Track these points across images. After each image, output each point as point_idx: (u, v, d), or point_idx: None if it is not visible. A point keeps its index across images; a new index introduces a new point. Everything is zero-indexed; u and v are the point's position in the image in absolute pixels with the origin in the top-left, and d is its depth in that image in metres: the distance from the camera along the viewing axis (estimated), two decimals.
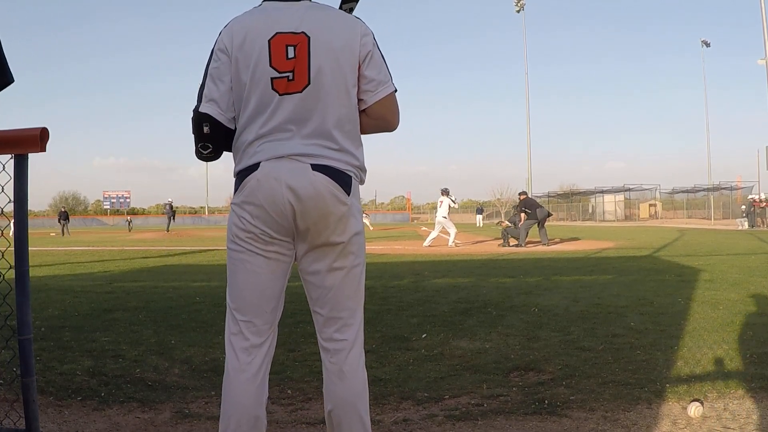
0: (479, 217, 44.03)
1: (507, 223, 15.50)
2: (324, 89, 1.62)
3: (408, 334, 3.94)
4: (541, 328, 4.06)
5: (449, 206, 14.87)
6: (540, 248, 13.53)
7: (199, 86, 1.71)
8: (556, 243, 15.60)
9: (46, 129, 1.86)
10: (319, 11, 1.67)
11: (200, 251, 13.64)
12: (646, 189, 49.16)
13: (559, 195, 59.23)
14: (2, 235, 1.96)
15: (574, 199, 55.18)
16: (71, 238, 25.43)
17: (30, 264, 1.93)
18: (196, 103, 1.69)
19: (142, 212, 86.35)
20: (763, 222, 27.53)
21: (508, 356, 3.32)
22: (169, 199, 31.92)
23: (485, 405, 2.55)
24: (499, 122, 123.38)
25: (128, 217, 46.74)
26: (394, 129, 1.78)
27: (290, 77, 1.61)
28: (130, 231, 35.85)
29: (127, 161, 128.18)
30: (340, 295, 1.70)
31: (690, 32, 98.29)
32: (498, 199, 73.59)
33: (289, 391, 2.77)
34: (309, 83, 1.61)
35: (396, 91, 1.73)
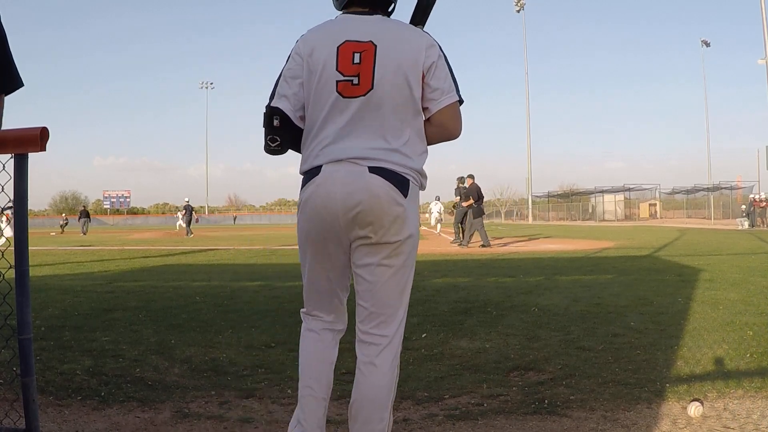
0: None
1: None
2: (386, 95, 1.71)
3: (408, 333, 3.93)
4: (541, 327, 4.06)
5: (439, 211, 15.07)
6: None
7: (272, 86, 1.83)
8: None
9: (46, 128, 1.86)
10: (389, 23, 1.79)
11: (200, 251, 13.64)
12: (646, 189, 49.21)
13: (559, 195, 59.22)
14: (2, 234, 1.96)
15: (573, 198, 55.18)
16: (71, 238, 25.42)
17: (30, 264, 1.93)
18: (268, 101, 1.81)
19: (142, 212, 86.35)
20: (763, 222, 27.53)
21: (508, 356, 3.32)
22: (186, 199, 28.05)
23: (485, 405, 2.55)
24: (499, 122, 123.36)
25: (64, 216, 43.03)
26: (456, 138, 1.84)
27: (354, 81, 1.71)
28: (62, 232, 33.61)
29: (127, 161, 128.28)
30: (385, 292, 1.78)
31: (690, 32, 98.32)
32: (498, 198, 73.61)
33: (289, 391, 2.77)
34: (372, 88, 1.70)
35: (460, 101, 1.79)
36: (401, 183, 1.71)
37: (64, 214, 46.15)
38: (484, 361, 3.22)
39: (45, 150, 1.86)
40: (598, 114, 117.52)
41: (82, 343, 3.71)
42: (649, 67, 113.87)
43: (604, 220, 44.90)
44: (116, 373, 3.06)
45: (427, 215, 15.92)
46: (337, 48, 1.72)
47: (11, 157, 1.87)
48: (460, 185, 14.72)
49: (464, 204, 13.95)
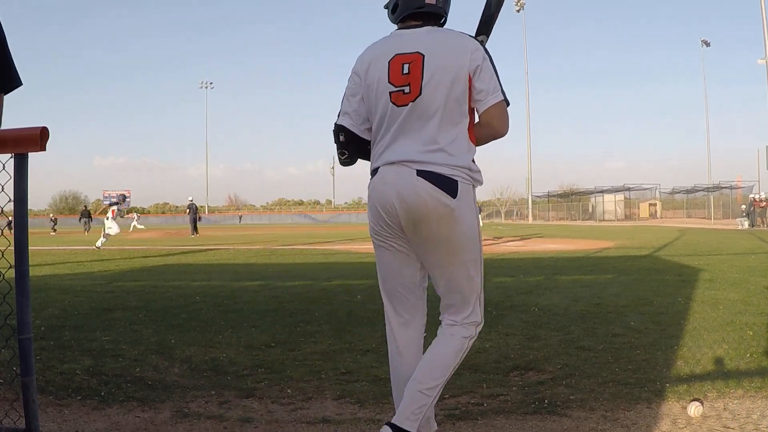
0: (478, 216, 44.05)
1: None
2: (434, 101, 1.84)
3: None
4: (541, 327, 4.06)
5: None
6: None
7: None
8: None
9: (46, 128, 1.86)
10: (436, 33, 1.91)
11: (200, 250, 13.64)
12: (646, 189, 49.20)
13: (559, 195, 59.22)
14: (2, 234, 1.96)
15: (573, 198, 55.18)
16: (71, 238, 25.42)
17: (30, 263, 1.93)
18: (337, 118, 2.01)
19: (142, 212, 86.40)
20: (763, 222, 27.53)
21: (508, 356, 3.32)
22: (190, 198, 27.71)
23: (485, 404, 2.55)
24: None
25: (52, 216, 41.51)
26: (502, 136, 1.94)
27: (406, 90, 1.86)
28: (55, 232, 32.98)
29: (127, 161, 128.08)
30: (452, 285, 1.93)
31: (690, 32, 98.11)
32: (498, 198, 73.59)
33: (289, 391, 2.77)
34: (420, 94, 1.84)
35: (506, 101, 1.88)
36: (449, 184, 1.82)
37: (51, 214, 45.20)
38: (484, 361, 3.22)
39: (45, 150, 1.86)
40: (598, 114, 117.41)
41: (82, 343, 3.71)
42: (649, 67, 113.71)
43: (604, 220, 44.90)
44: (116, 372, 3.06)
45: None
46: (389, 62, 1.89)
47: (11, 157, 1.87)
48: None
49: None
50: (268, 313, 4.76)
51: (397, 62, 1.88)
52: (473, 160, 1.89)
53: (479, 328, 2.00)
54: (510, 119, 1.91)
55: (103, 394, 2.72)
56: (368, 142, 1.99)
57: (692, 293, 5.52)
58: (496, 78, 1.87)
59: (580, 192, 56.38)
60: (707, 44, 48.71)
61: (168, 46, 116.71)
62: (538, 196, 58.39)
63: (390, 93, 1.88)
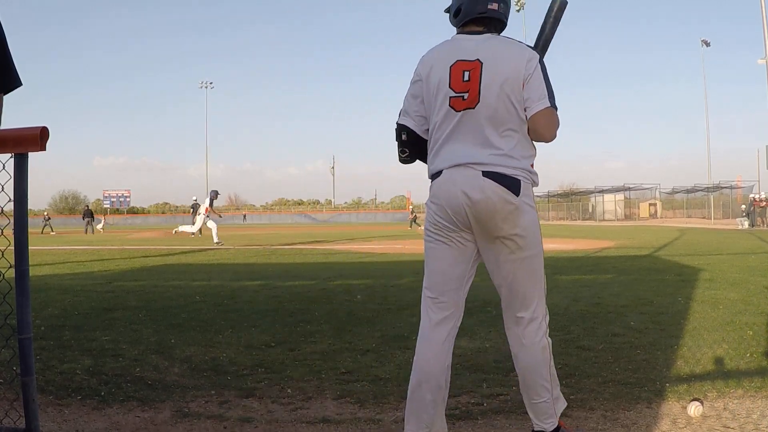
0: None
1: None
2: (492, 106, 1.93)
3: (408, 333, 3.94)
4: None
5: None
6: None
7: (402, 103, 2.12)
8: None
9: (46, 128, 1.86)
10: (494, 41, 2.00)
11: (200, 250, 13.64)
12: (646, 188, 49.18)
13: (559, 195, 59.20)
14: (2, 234, 1.96)
15: (573, 198, 55.17)
16: (71, 238, 25.42)
17: (30, 263, 1.93)
18: (398, 117, 2.11)
19: (142, 212, 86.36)
20: (763, 221, 27.52)
21: (508, 355, 3.28)
22: (194, 198, 27.21)
23: (485, 404, 2.55)
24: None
25: (45, 214, 39.49)
26: (548, 141, 2.02)
27: (465, 96, 1.95)
28: (43, 233, 31.74)
29: (127, 161, 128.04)
30: (516, 281, 2.01)
31: (690, 32, 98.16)
32: None
33: (289, 391, 2.78)
34: (479, 101, 1.94)
35: (554, 108, 1.96)
36: (512, 183, 1.92)
37: (45, 213, 44.49)
38: (484, 361, 3.22)
39: (45, 149, 1.86)
40: (598, 114, 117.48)
41: (82, 343, 3.71)
42: (649, 67, 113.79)
43: (604, 219, 44.89)
44: (116, 372, 3.06)
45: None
46: (450, 68, 1.98)
47: (11, 157, 1.87)
48: None
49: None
50: (268, 313, 4.76)
51: (458, 68, 1.97)
52: (532, 164, 2.01)
53: (546, 319, 2.06)
54: (558, 126, 2.00)
55: (103, 393, 2.72)
56: (425, 142, 2.09)
57: (692, 293, 5.52)
58: (545, 85, 1.95)
59: (580, 192, 56.37)
60: (707, 44, 48.63)
61: (168, 46, 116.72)
62: (538, 196, 58.06)
63: (450, 98, 1.97)
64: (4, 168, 1.90)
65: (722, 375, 2.88)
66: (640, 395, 2.60)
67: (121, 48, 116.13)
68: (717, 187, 40.88)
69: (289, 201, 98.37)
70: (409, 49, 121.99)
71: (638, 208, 48.26)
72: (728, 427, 2.26)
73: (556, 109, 1.96)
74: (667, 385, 2.73)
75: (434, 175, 2.04)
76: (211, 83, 74.63)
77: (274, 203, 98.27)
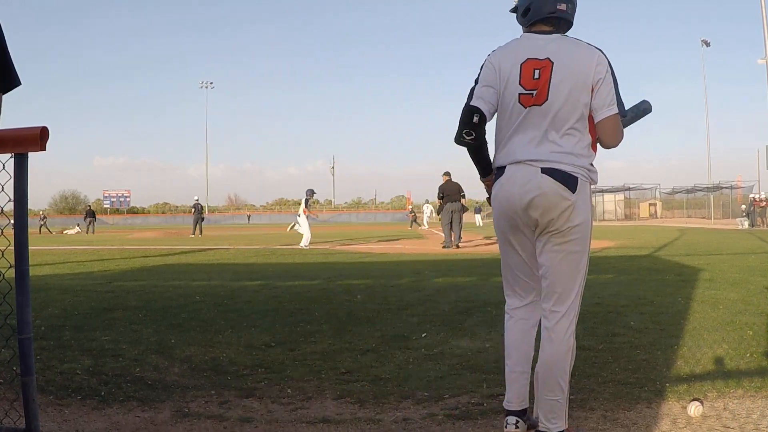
0: (478, 216, 43.98)
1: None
2: (559, 105, 1.99)
3: (408, 333, 3.94)
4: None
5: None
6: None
7: (469, 89, 2.15)
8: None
9: (46, 128, 1.86)
10: (565, 42, 2.06)
11: (200, 250, 13.64)
12: (646, 188, 49.17)
13: None
14: (2, 234, 1.96)
15: None
16: (71, 238, 25.43)
17: (30, 263, 1.93)
18: (466, 101, 2.13)
19: (142, 212, 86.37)
20: (763, 221, 27.52)
21: None
22: (196, 198, 26.84)
23: (485, 404, 2.55)
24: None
25: (42, 214, 39.00)
26: (611, 147, 2.10)
27: (533, 94, 2.02)
28: (41, 233, 31.92)
29: (127, 161, 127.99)
30: (558, 273, 2.06)
31: (690, 32, 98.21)
32: None
33: (289, 391, 2.78)
34: (547, 99, 2.00)
35: (619, 114, 2.03)
36: (569, 181, 1.99)
37: (42, 212, 43.89)
38: (484, 361, 3.22)
39: (45, 149, 1.86)
40: None
41: (82, 343, 3.71)
42: (649, 67, 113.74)
43: (604, 219, 44.88)
44: (116, 372, 3.06)
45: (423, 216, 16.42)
46: (521, 65, 2.04)
47: (11, 157, 1.87)
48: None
49: (437, 204, 14.04)
50: (268, 313, 4.76)
51: (529, 66, 2.03)
52: (592, 163, 2.07)
53: (576, 319, 2.11)
54: (622, 133, 2.07)
55: (103, 393, 2.72)
56: (484, 134, 2.15)
57: (692, 293, 5.52)
58: (614, 92, 2.01)
59: None
60: (707, 44, 48.66)
61: (168, 46, 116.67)
62: None
63: (519, 95, 2.03)
64: (4, 168, 1.90)
65: (722, 375, 2.88)
66: (640, 395, 2.60)
67: (121, 48, 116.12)
68: (717, 187, 40.87)
69: (289, 201, 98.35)
70: (409, 49, 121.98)
71: (638, 208, 48.27)
72: (728, 427, 2.26)
73: (623, 113, 2.05)
74: (667, 385, 2.73)
75: (498, 171, 2.14)
76: (211, 83, 74.78)
77: (274, 203, 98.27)
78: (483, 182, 2.31)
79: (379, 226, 38.60)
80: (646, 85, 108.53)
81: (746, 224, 26.70)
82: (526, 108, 2.03)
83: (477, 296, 5.55)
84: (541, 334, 2.12)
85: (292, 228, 15.65)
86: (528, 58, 2.04)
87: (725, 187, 40.89)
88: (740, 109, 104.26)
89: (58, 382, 2.89)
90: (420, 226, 32.04)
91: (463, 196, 13.72)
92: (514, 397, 2.17)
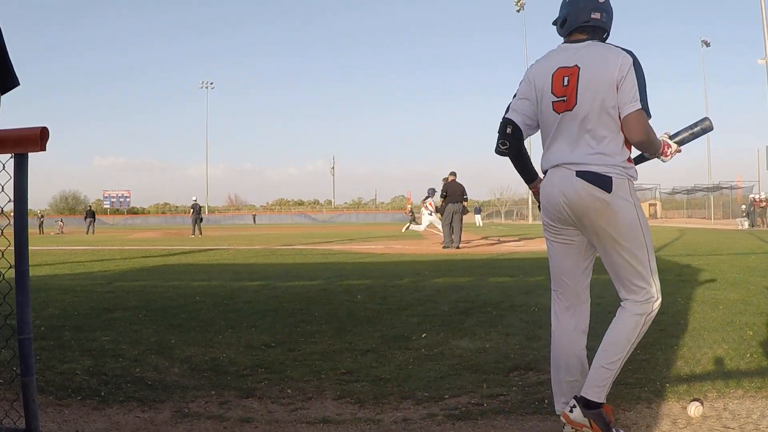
0: (478, 217, 44.02)
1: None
2: (588, 108, 2.08)
3: (408, 333, 3.94)
4: (541, 327, 4.06)
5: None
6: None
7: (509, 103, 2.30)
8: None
9: (46, 128, 1.86)
10: (592, 47, 2.14)
11: (200, 251, 13.64)
12: (646, 189, 49.14)
13: None
14: (2, 234, 1.96)
15: None
16: (71, 238, 25.43)
17: (30, 263, 1.93)
18: (504, 114, 2.28)
19: (142, 212, 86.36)
20: (763, 222, 27.53)
21: (508, 356, 3.32)
22: (194, 198, 26.53)
23: (485, 404, 2.55)
24: (499, 121, 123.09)
25: (39, 213, 39.03)
26: (640, 142, 2.11)
27: (564, 99, 2.12)
28: (42, 233, 32.26)
29: (127, 161, 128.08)
30: (618, 270, 2.16)
31: (690, 32, 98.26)
32: (498, 198, 73.60)
33: (288, 391, 2.78)
34: (576, 103, 2.10)
35: (645, 110, 2.06)
36: (603, 180, 2.05)
37: (39, 211, 43.56)
38: (484, 361, 3.22)
39: (45, 150, 1.86)
40: None
41: (82, 343, 3.71)
42: (649, 67, 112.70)
43: None
44: (116, 373, 3.06)
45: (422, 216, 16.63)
46: (552, 75, 2.16)
47: (11, 157, 1.87)
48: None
49: (439, 203, 14.04)
50: (268, 313, 4.76)
51: (559, 75, 2.14)
52: (628, 159, 2.12)
53: (657, 304, 2.16)
54: (647, 128, 2.08)
55: (103, 394, 2.72)
56: (522, 142, 2.28)
57: (692, 293, 5.52)
58: (637, 88, 2.05)
59: None
60: (707, 44, 48.69)
61: (168, 47, 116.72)
62: None
63: (552, 103, 2.15)
64: (4, 168, 1.90)
65: (722, 375, 2.88)
66: (640, 395, 2.60)
67: (122, 48, 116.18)
68: (717, 188, 40.87)
69: (289, 201, 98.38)
70: (409, 49, 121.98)
71: None
72: (728, 428, 2.26)
73: (648, 112, 2.07)
74: (667, 385, 2.73)
75: (544, 175, 2.26)
76: (211, 83, 74.82)
77: (274, 203, 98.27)
78: (530, 189, 2.44)
79: (379, 227, 38.59)
80: (647, 85, 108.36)
81: (746, 224, 26.71)
82: (559, 114, 2.13)
83: (477, 296, 5.55)
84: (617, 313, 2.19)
85: (407, 228, 16.65)
86: (558, 67, 2.15)
87: (725, 188, 40.89)
88: (740, 109, 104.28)
89: (58, 382, 2.89)
90: (418, 225, 32.08)
91: (466, 199, 13.73)
92: (560, 400, 2.23)
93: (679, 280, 6.61)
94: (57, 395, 2.69)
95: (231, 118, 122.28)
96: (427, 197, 16.84)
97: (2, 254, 1.94)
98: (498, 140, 2.27)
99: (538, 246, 14.19)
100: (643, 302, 2.14)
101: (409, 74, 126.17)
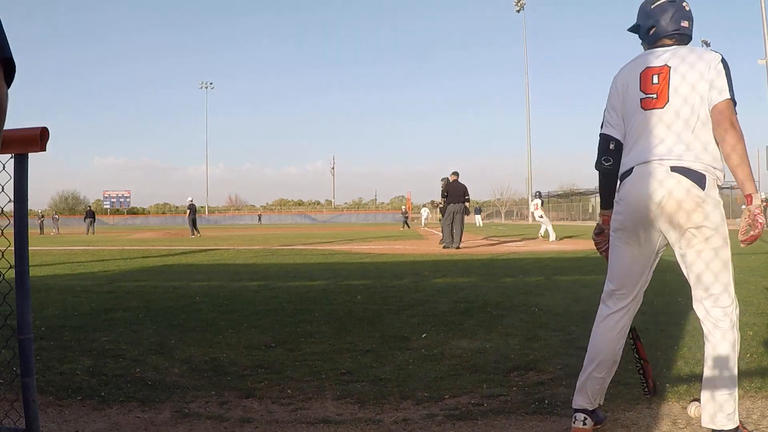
0: (478, 217, 44.02)
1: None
2: (679, 106, 2.09)
3: (408, 333, 3.94)
4: (541, 327, 4.06)
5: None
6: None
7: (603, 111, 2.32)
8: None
9: (46, 128, 1.86)
10: (682, 50, 2.18)
11: (200, 251, 13.64)
12: None
13: (559, 195, 59.19)
14: (2, 234, 1.96)
15: (574, 199, 55.14)
16: (71, 238, 25.42)
17: (30, 264, 1.93)
18: (601, 129, 2.31)
19: (142, 212, 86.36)
20: None
21: (508, 356, 3.32)
22: (190, 198, 26.26)
23: (485, 405, 2.55)
24: (499, 122, 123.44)
25: (39, 213, 38.85)
26: (730, 134, 2.05)
27: (654, 97, 2.14)
28: (43, 233, 32.33)
29: (127, 161, 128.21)
30: (703, 271, 2.10)
31: None
32: (498, 199, 73.58)
33: (289, 391, 2.78)
34: (668, 101, 2.11)
35: (733, 101, 2.07)
36: (699, 178, 2.04)
37: (40, 211, 43.19)
38: (484, 361, 3.22)
39: (45, 150, 1.86)
40: (599, 114, 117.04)
41: (82, 343, 3.71)
42: None
43: None
44: (116, 373, 3.06)
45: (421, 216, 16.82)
46: (640, 74, 2.19)
47: (11, 157, 1.87)
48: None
49: (440, 203, 14.00)
50: (268, 313, 4.76)
51: (647, 73, 2.17)
52: (717, 159, 2.10)
53: (737, 311, 2.11)
54: (736, 119, 2.07)
55: (103, 394, 2.72)
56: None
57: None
58: (726, 81, 2.07)
59: (580, 192, 56.32)
60: (707, 44, 48.67)
61: (168, 47, 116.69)
62: None
63: (641, 99, 2.16)
64: (4, 168, 1.90)
65: None
66: (641, 395, 2.59)
67: (122, 48, 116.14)
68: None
69: (289, 201, 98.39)
70: (409, 49, 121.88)
71: None
72: None
73: (735, 103, 2.07)
74: (667, 385, 2.73)
75: (625, 173, 2.19)
76: (211, 83, 74.91)
77: (274, 203, 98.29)
78: (602, 215, 2.39)
79: (379, 227, 38.59)
80: None
81: None
82: (647, 110, 2.14)
83: (477, 296, 5.55)
84: (704, 331, 2.12)
85: (545, 234, 17.24)
86: (646, 67, 2.18)
87: (725, 188, 40.67)
88: (740, 109, 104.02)
89: (58, 382, 2.89)
90: (408, 227, 32.39)
91: (467, 200, 13.71)
92: (588, 398, 2.22)
93: (679, 279, 6.59)
94: (57, 395, 2.69)
95: (231, 118, 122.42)
96: (535, 200, 17.43)
97: (2, 254, 1.94)
98: (601, 157, 2.28)
99: (538, 246, 14.19)
100: (729, 310, 2.08)
101: (409, 74, 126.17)
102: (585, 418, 2.19)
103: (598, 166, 2.29)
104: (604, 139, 2.27)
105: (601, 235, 2.41)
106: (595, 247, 2.53)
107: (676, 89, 2.10)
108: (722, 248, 2.08)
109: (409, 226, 32.88)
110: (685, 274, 2.17)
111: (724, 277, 2.09)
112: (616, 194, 2.24)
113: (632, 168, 2.15)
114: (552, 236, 16.61)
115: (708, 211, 2.04)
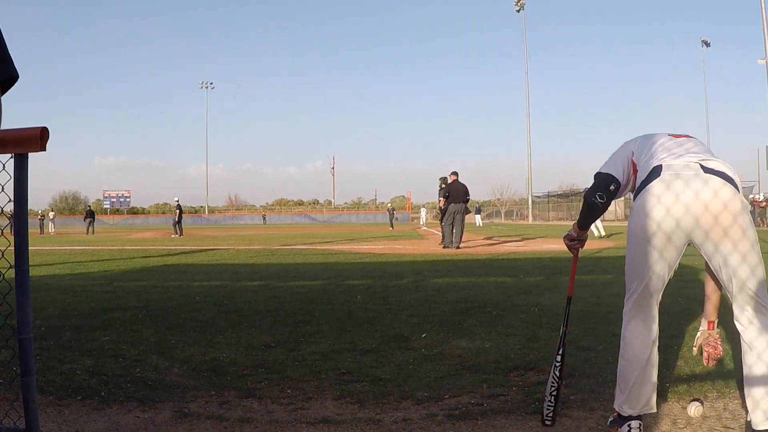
0: (478, 217, 44.00)
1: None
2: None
3: (408, 333, 3.94)
4: (541, 327, 4.06)
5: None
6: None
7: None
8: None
9: (46, 128, 1.86)
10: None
11: (200, 251, 13.64)
12: None
13: (559, 195, 59.18)
14: (2, 234, 1.96)
15: (573, 198, 55.12)
16: (71, 238, 25.42)
17: (30, 263, 1.93)
18: (603, 168, 2.34)
19: (142, 212, 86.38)
20: (763, 222, 27.52)
21: (508, 356, 3.32)
22: (176, 198, 26.61)
23: (485, 405, 2.55)
24: (499, 121, 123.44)
25: (39, 212, 38.76)
26: None
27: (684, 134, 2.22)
28: (43, 233, 32.50)
29: (127, 161, 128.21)
30: (740, 275, 2.01)
31: (690, 32, 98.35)
32: (498, 198, 73.57)
33: (289, 391, 2.78)
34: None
35: None
36: (733, 179, 2.01)
37: (40, 211, 43.12)
38: (484, 361, 3.22)
39: (45, 150, 1.86)
40: (598, 114, 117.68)
41: (82, 343, 3.71)
42: (649, 66, 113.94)
43: (604, 219, 44.79)
44: (116, 373, 3.06)
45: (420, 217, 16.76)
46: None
47: (11, 157, 1.87)
48: (443, 186, 14.41)
49: (440, 203, 13.97)
50: (268, 313, 4.76)
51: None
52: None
53: None
54: None
55: (103, 394, 2.72)
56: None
57: (692, 293, 5.51)
58: None
59: (580, 192, 56.20)
60: (707, 44, 48.72)
61: (168, 47, 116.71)
62: (538, 196, 58.42)
63: (669, 134, 2.25)
64: (4, 168, 1.89)
65: (722, 375, 2.88)
66: None
67: (122, 49, 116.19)
68: None
69: (289, 201, 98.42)
70: (409, 49, 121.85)
71: None
72: (728, 428, 2.26)
73: None
74: (667, 385, 2.73)
75: (650, 175, 2.09)
76: (211, 83, 74.95)
77: (275, 203, 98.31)
78: (578, 231, 2.41)
79: (379, 227, 38.58)
80: (647, 84, 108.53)
81: None
82: (676, 139, 2.21)
83: (477, 296, 5.55)
84: (743, 334, 2.05)
85: (600, 234, 17.16)
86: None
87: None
88: (740, 109, 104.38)
89: (58, 382, 2.89)
90: (392, 228, 32.49)
91: (468, 200, 13.70)
92: (641, 404, 2.15)
93: (679, 279, 6.60)
94: (57, 395, 2.70)
95: (231, 118, 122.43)
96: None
97: (2, 254, 1.94)
98: (596, 191, 2.25)
99: (538, 246, 14.19)
100: (761, 315, 2.01)
101: (409, 74, 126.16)
102: (640, 425, 2.14)
103: (590, 198, 2.26)
104: (607, 179, 2.25)
105: (575, 240, 2.47)
106: (567, 249, 2.54)
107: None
108: (757, 253, 2.03)
109: (392, 227, 32.85)
110: (723, 279, 2.07)
111: (758, 280, 2.02)
112: (638, 197, 2.12)
113: (659, 167, 2.07)
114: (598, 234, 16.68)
115: (744, 213, 2.02)
